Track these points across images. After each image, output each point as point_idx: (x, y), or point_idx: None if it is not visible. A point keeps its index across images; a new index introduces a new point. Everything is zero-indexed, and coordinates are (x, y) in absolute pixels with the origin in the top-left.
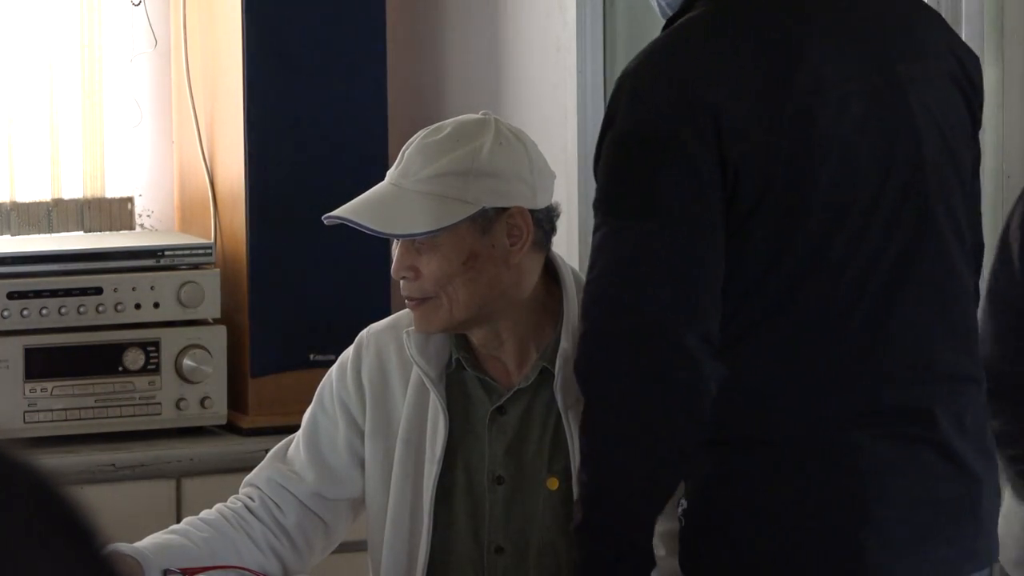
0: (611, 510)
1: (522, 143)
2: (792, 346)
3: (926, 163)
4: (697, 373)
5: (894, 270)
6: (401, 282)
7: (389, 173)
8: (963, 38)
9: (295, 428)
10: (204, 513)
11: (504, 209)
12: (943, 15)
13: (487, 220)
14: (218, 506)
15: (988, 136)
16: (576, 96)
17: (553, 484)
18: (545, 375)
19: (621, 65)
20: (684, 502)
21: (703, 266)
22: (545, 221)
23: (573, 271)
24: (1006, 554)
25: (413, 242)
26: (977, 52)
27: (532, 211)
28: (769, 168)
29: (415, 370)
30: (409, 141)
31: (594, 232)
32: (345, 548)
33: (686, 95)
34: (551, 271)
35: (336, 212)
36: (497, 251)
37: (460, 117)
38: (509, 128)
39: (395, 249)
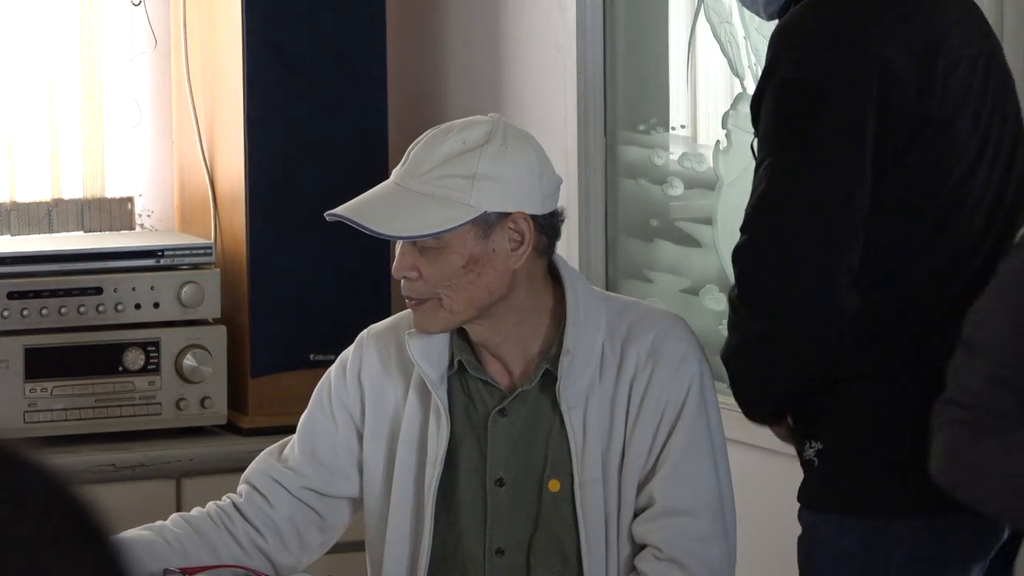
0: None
1: (529, 147)
2: (941, 277)
3: (1020, 120)
4: (832, 303)
5: (1011, 207)
6: (402, 282)
7: (394, 171)
8: None
9: (295, 428)
10: (195, 511)
11: (506, 214)
12: None
13: (488, 224)
14: (210, 504)
15: None
16: (576, 97)
17: (555, 486)
18: (548, 377)
19: (621, 65)
20: (816, 443)
21: (849, 200)
22: (548, 227)
23: (575, 272)
24: None
25: (415, 243)
26: None
27: (535, 217)
28: (923, 114)
29: (416, 371)
30: (416, 140)
31: (757, 168)
32: (344, 548)
33: (851, 44)
34: (553, 272)
35: (338, 210)
36: (498, 256)
37: (469, 119)
38: (517, 132)
39: (398, 248)
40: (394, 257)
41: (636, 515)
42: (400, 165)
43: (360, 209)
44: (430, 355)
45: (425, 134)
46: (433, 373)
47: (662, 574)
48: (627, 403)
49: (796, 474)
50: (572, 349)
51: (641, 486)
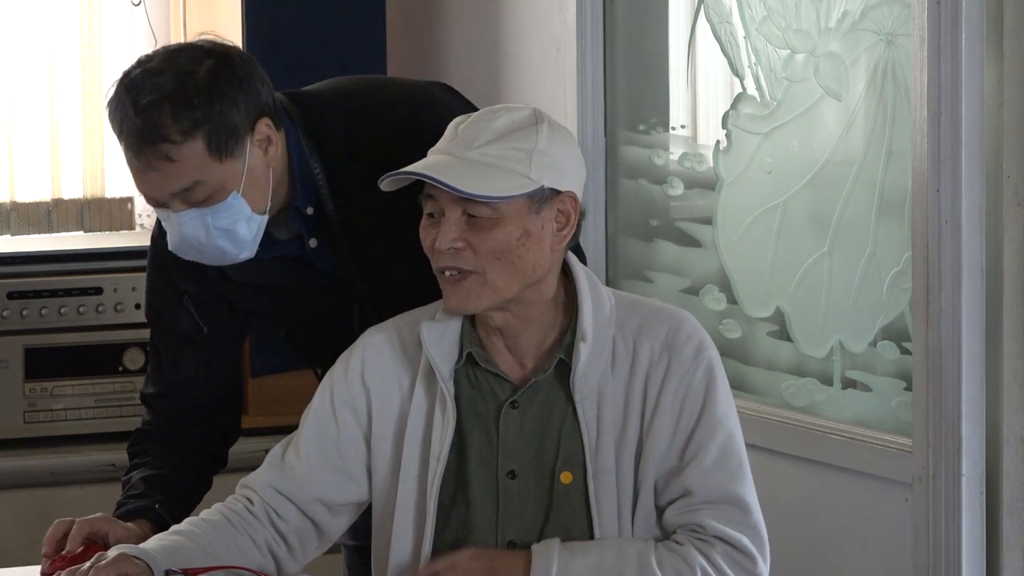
0: None
1: (571, 135)
2: None
3: None
4: None
5: None
6: (444, 254)
7: (442, 146)
8: (963, 38)
9: (295, 428)
10: (205, 514)
11: (558, 192)
12: (943, 14)
13: (543, 200)
14: (218, 507)
15: (988, 136)
16: (576, 96)
17: (567, 478)
18: (560, 368)
19: (621, 65)
20: None
21: None
22: (581, 215)
23: (583, 266)
24: None
25: (464, 214)
26: (976, 52)
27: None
28: None
29: (422, 366)
30: (457, 121)
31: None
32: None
33: None
34: (563, 266)
35: (414, 167)
36: (545, 234)
37: (504, 104)
38: (552, 119)
39: (428, 224)
40: (426, 232)
41: (665, 505)
42: (447, 140)
43: (432, 168)
44: (441, 347)
45: (465, 115)
46: (444, 367)
47: (706, 552)
48: (643, 396)
49: (802, 475)
50: (587, 336)
51: (668, 478)
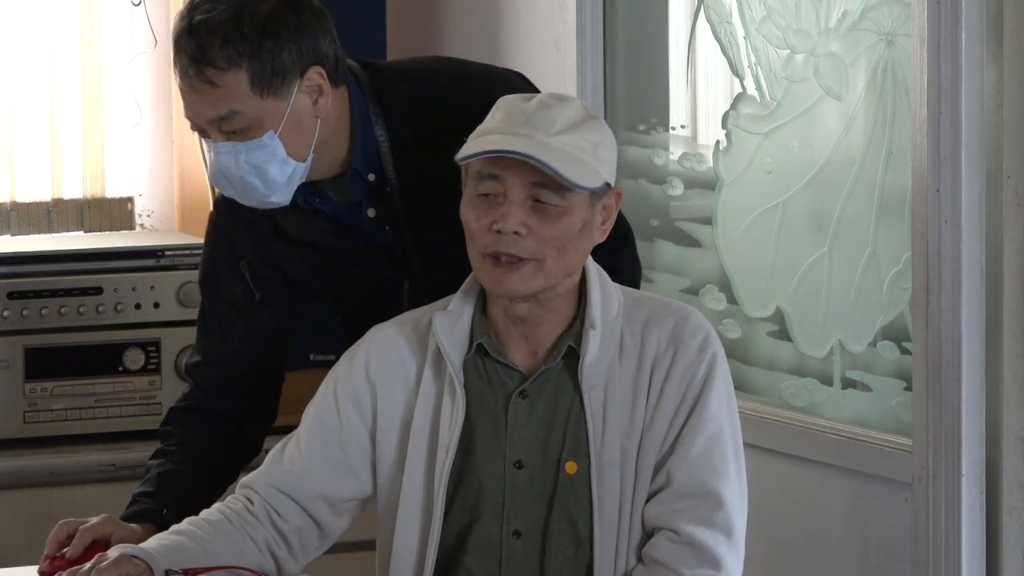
0: None
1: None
2: None
3: None
4: None
5: None
6: (504, 238)
7: (511, 128)
8: (963, 38)
9: (295, 428)
10: (206, 513)
11: (611, 187)
12: (943, 14)
13: (598, 195)
14: (218, 506)
15: (988, 136)
16: (576, 96)
17: (571, 468)
18: (569, 358)
19: (621, 65)
20: None
21: None
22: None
23: (591, 260)
24: None
25: (528, 199)
26: (976, 52)
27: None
28: None
29: (429, 359)
30: (512, 102)
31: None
32: (346, 548)
33: None
34: None
35: (502, 147)
36: (594, 226)
37: (552, 92)
38: None
39: (482, 204)
40: (481, 217)
41: (650, 496)
42: (519, 123)
43: (523, 150)
44: (453, 336)
45: (521, 97)
46: (455, 357)
47: (677, 558)
48: (648, 386)
49: (802, 475)
50: (596, 324)
51: (658, 467)
